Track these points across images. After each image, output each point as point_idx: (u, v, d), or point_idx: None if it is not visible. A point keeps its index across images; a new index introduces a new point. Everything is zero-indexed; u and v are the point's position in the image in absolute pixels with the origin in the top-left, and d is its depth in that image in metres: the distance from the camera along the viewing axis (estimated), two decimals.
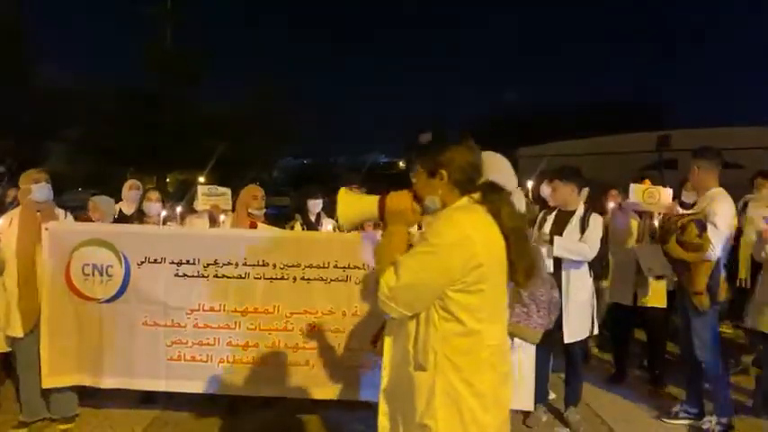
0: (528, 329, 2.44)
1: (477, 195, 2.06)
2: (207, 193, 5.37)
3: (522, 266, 2.04)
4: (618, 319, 5.53)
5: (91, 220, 4.97)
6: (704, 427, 4.27)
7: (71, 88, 20.22)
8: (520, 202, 2.58)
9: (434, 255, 1.93)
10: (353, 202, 2.29)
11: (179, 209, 5.39)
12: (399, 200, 2.15)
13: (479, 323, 1.96)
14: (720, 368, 4.25)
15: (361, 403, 4.29)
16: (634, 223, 5.14)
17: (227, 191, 5.44)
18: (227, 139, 20.67)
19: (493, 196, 2.04)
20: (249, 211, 4.80)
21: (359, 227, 4.05)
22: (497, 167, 2.42)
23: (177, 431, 4.33)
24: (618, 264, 5.43)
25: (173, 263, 4.15)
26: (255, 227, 4.71)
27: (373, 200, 2.22)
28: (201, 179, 13.00)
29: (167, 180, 23.48)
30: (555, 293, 2.51)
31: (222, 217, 5.04)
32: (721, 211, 4.07)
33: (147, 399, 4.64)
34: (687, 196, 5.56)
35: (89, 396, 4.50)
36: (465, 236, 1.92)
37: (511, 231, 2.01)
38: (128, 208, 6.04)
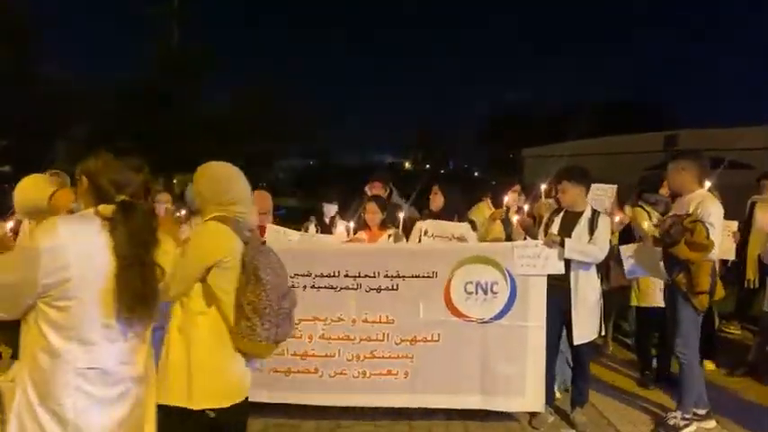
0: (253, 344, 2.40)
1: (108, 209, 1.96)
2: None
3: (122, 295, 1.90)
4: (655, 323, 5.37)
5: None
6: (670, 423, 4.30)
7: (75, 87, 20.30)
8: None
9: (21, 258, 1.87)
10: (29, 190, 2.30)
11: (183, 211, 5.37)
12: (62, 198, 2.18)
13: (66, 342, 1.84)
14: (697, 365, 4.34)
15: (366, 409, 4.34)
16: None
17: None
18: (232, 139, 20.72)
19: (118, 215, 1.94)
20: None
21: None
22: (235, 184, 2.53)
23: None
24: None
25: None
26: (263, 231, 4.71)
27: (47, 193, 2.22)
28: None
29: (174, 181, 23.54)
30: (285, 303, 2.46)
31: None
32: (715, 212, 4.14)
33: None
34: None
35: None
36: (58, 245, 1.82)
37: (119, 255, 1.90)
38: None
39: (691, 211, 4.15)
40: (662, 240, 4.20)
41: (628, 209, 5.62)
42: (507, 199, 5.37)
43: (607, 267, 5.70)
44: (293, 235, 4.68)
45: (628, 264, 4.67)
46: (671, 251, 4.12)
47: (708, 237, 3.99)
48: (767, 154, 12.64)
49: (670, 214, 4.27)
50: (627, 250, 4.70)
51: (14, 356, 5.51)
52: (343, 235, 4.83)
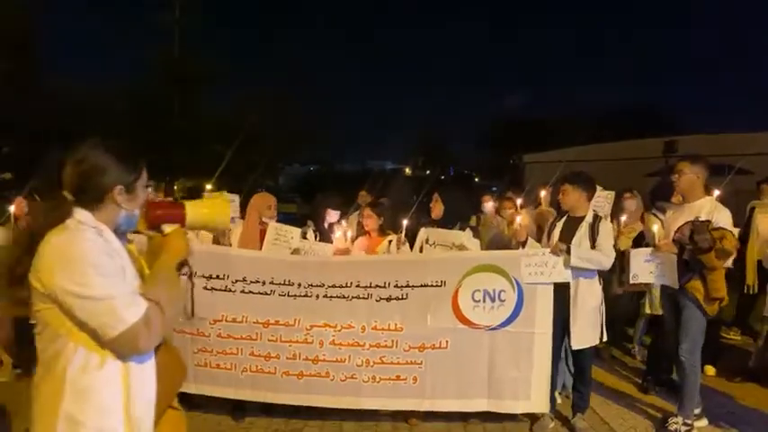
0: None
1: None
2: None
3: None
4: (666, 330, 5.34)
5: None
6: (671, 428, 4.33)
7: (77, 94, 20.35)
8: None
9: None
10: None
11: None
12: None
13: None
14: (699, 370, 4.39)
15: (369, 412, 4.39)
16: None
17: (235, 197, 5.43)
18: (234, 145, 20.74)
19: None
20: (262, 219, 4.82)
21: None
22: None
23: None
24: None
25: (203, 276, 4.27)
26: (263, 234, 4.74)
27: None
28: (209, 186, 13.00)
29: (175, 187, 23.58)
30: None
31: None
32: (728, 220, 4.18)
33: None
34: None
35: None
36: None
37: None
38: None
39: (703, 217, 4.16)
40: (681, 246, 4.17)
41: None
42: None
43: (621, 271, 5.70)
44: (294, 232, 4.72)
45: (635, 268, 4.48)
46: (699, 258, 4.10)
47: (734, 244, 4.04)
48: (766, 159, 12.66)
49: (687, 221, 4.20)
50: (639, 255, 4.50)
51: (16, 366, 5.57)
52: (341, 240, 4.86)
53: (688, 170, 4.30)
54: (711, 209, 4.21)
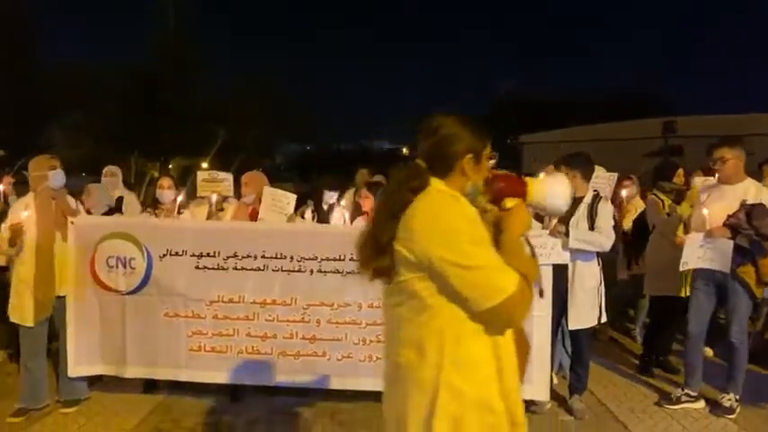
0: None
1: None
2: (207, 179, 5.33)
3: None
4: (666, 311, 5.32)
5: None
6: (726, 404, 4.37)
7: (73, 72, 20.15)
8: None
9: None
10: None
11: (181, 197, 5.31)
12: None
13: None
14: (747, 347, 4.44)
15: (366, 393, 4.33)
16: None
17: (229, 176, 5.40)
18: (230, 124, 20.62)
19: None
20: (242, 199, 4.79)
21: None
22: None
23: (180, 417, 4.33)
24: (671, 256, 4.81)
25: (193, 255, 4.22)
26: (256, 214, 4.70)
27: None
28: (205, 165, 12.95)
29: (170, 166, 23.46)
30: None
31: (214, 197, 5.02)
32: None
33: (152, 386, 4.67)
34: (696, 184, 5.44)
35: (94, 382, 4.56)
36: None
37: None
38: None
39: (750, 200, 4.10)
40: (734, 230, 4.09)
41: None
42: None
43: (629, 255, 5.67)
44: (290, 198, 4.69)
45: (687, 255, 4.33)
46: (763, 243, 4.08)
47: None
48: (766, 140, 12.61)
49: (742, 205, 4.11)
50: (694, 241, 4.30)
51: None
52: (339, 220, 4.82)
53: (730, 155, 4.25)
54: (757, 191, 4.16)
